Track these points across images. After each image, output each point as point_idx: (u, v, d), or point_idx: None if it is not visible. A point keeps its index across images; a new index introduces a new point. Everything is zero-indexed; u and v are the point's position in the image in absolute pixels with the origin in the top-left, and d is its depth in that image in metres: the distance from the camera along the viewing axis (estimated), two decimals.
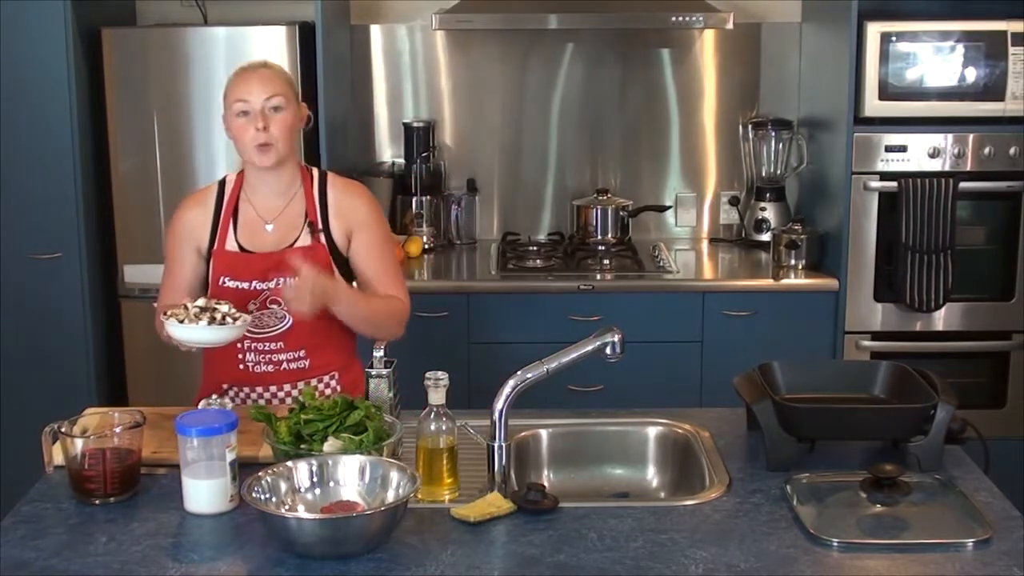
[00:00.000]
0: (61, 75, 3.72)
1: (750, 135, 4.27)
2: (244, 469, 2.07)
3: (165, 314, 2.40)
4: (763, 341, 3.72)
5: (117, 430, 2.14)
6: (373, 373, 2.37)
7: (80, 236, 3.80)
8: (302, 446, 2.14)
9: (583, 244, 4.13)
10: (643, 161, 4.38)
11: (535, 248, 4.16)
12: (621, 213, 4.15)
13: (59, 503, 2.11)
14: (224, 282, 2.61)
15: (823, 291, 3.82)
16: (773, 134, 4.20)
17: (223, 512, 2.06)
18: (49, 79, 3.72)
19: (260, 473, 2.00)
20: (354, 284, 2.69)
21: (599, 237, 4.13)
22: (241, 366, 2.61)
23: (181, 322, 2.37)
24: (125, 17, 4.19)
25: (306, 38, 3.80)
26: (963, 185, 3.72)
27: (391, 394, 2.38)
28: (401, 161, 4.30)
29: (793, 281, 3.87)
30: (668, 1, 3.89)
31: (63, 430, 2.13)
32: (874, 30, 3.71)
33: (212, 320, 2.38)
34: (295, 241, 2.63)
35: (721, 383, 2.60)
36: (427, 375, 2.18)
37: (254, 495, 1.95)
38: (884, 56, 3.72)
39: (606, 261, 4.01)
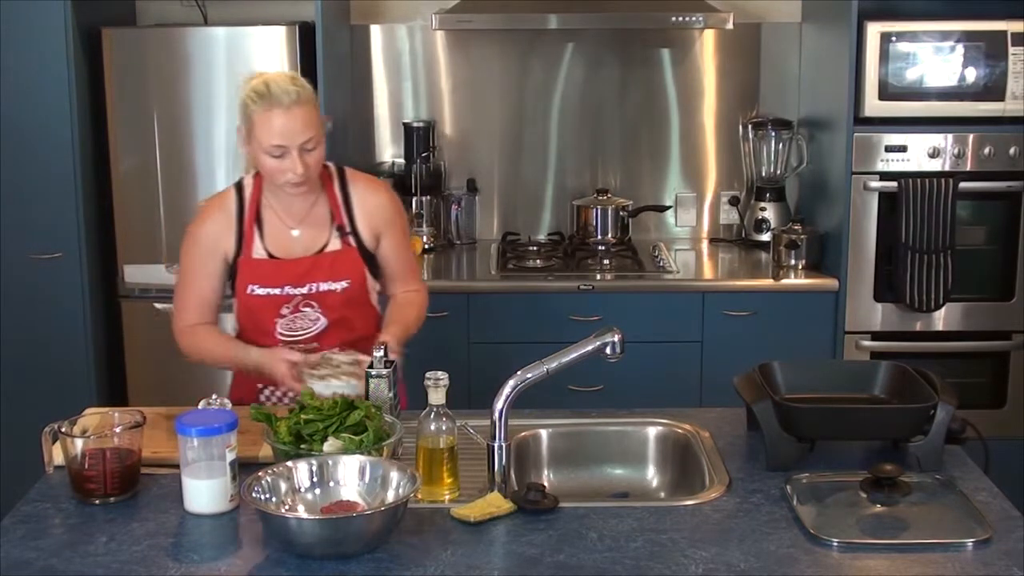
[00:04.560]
0: (61, 75, 3.71)
1: (750, 135, 4.27)
2: (244, 469, 2.07)
3: (313, 373, 2.42)
4: (763, 341, 3.72)
5: (117, 430, 2.14)
6: (373, 373, 2.37)
7: (80, 236, 3.80)
8: (302, 446, 2.14)
9: (583, 244, 4.13)
10: (643, 161, 4.38)
11: (535, 248, 4.17)
12: (621, 213, 4.16)
13: (59, 503, 2.11)
14: (253, 290, 2.59)
15: (823, 291, 3.82)
16: (773, 134, 4.20)
17: (223, 512, 2.06)
18: (49, 79, 3.72)
19: (260, 473, 2.00)
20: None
21: (599, 237, 4.13)
22: None
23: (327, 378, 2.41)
24: (125, 17, 4.19)
25: (306, 38, 3.80)
26: (963, 185, 3.72)
27: (391, 394, 2.38)
28: (401, 161, 4.30)
29: (793, 281, 3.87)
30: (668, 1, 3.89)
31: (63, 430, 2.13)
32: (874, 30, 3.71)
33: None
34: (325, 245, 2.62)
35: (721, 383, 2.60)
36: (427, 375, 2.18)
37: (254, 495, 1.95)
38: (884, 56, 3.72)
39: (606, 261, 4.01)
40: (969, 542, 1.95)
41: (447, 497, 2.14)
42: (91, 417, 2.25)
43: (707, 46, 4.30)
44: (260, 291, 2.59)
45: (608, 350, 2.23)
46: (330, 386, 2.41)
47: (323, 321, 2.61)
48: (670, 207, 4.35)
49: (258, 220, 2.62)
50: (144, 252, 3.90)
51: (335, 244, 2.63)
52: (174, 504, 2.09)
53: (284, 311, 2.59)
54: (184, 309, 2.66)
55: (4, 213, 3.79)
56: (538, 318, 3.78)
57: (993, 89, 3.73)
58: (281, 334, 2.61)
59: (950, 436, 2.26)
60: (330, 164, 2.69)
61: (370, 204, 2.67)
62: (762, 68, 4.31)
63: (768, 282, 3.87)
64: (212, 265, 2.62)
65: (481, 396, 2.44)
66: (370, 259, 2.67)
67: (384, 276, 2.73)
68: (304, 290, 2.59)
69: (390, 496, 1.99)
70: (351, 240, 2.64)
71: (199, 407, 2.29)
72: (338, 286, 2.61)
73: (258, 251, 2.61)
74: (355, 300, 2.64)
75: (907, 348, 3.79)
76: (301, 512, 1.97)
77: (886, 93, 3.75)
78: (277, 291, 2.59)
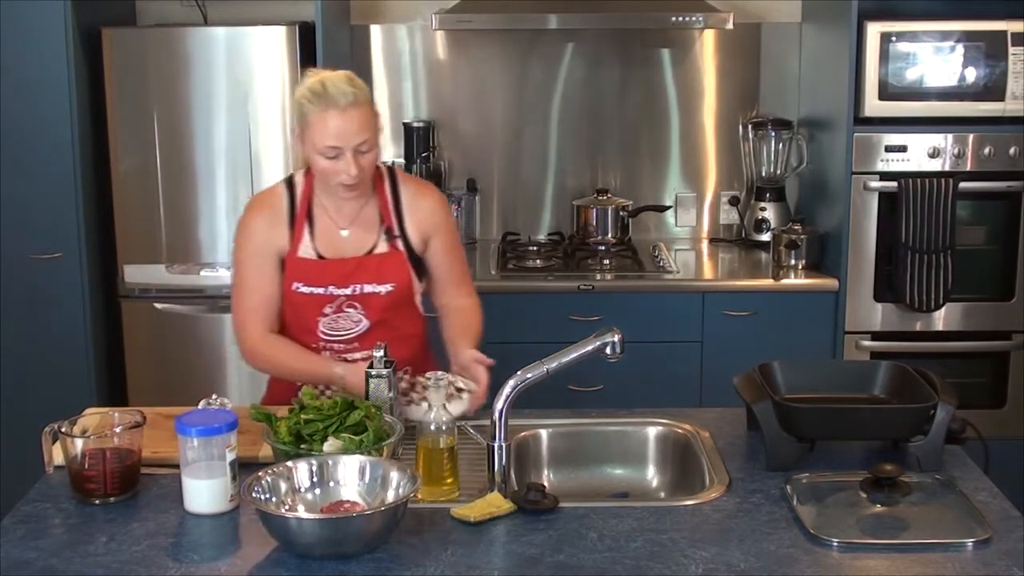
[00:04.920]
0: (61, 75, 3.71)
1: (750, 135, 4.27)
2: (244, 469, 2.07)
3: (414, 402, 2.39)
4: (763, 341, 3.72)
5: (117, 430, 2.14)
6: (373, 373, 2.37)
7: (80, 236, 3.80)
8: (302, 446, 2.14)
9: (583, 244, 4.13)
10: (643, 161, 4.38)
11: (535, 248, 4.17)
12: (621, 213, 4.15)
13: (59, 503, 2.11)
14: (297, 288, 2.57)
15: (823, 291, 3.82)
16: (773, 134, 4.20)
17: (223, 512, 2.06)
18: (49, 79, 3.72)
19: (260, 473, 2.00)
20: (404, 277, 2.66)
21: (599, 237, 4.13)
22: None
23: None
24: (125, 17, 4.19)
25: (306, 38, 3.80)
26: (963, 185, 3.72)
27: (391, 394, 2.37)
28: (401, 161, 4.30)
29: (793, 281, 3.87)
30: (668, 1, 3.89)
31: (63, 430, 2.13)
32: (874, 30, 3.71)
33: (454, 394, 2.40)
34: (373, 247, 2.60)
35: (721, 383, 2.60)
36: (427, 375, 2.19)
37: (254, 495, 1.95)
38: (884, 56, 3.72)
39: (606, 261, 4.01)
40: (969, 542, 1.95)
41: (447, 497, 2.13)
42: (91, 417, 2.26)
43: (707, 46, 4.30)
44: (304, 289, 2.57)
45: (608, 350, 2.23)
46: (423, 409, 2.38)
47: (365, 323, 2.59)
48: (670, 207, 4.35)
49: (309, 218, 2.59)
50: (144, 252, 3.89)
51: (383, 247, 2.60)
52: (174, 504, 2.09)
53: (327, 311, 2.58)
54: (251, 318, 2.60)
55: (4, 213, 3.79)
56: (538, 318, 3.78)
57: (993, 89, 3.73)
58: (323, 333, 2.59)
59: (950, 436, 2.26)
60: (382, 165, 2.66)
61: (420, 207, 2.64)
62: (762, 68, 4.31)
63: (768, 282, 3.87)
64: (269, 265, 2.58)
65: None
66: (417, 262, 2.64)
67: (433, 282, 2.70)
68: (348, 291, 2.57)
69: (390, 496, 1.99)
70: (399, 243, 2.61)
71: (199, 407, 2.29)
72: (382, 289, 2.59)
73: (305, 249, 2.58)
74: (399, 303, 2.61)
75: (907, 348, 3.79)
76: (301, 512, 1.97)
77: (886, 93, 3.75)
78: (321, 291, 2.57)
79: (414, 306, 2.69)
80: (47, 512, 2.08)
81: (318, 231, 2.60)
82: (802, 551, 1.93)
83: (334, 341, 2.60)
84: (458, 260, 2.74)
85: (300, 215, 2.59)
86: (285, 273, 2.60)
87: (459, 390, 2.43)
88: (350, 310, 2.58)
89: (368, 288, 2.58)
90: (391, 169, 2.68)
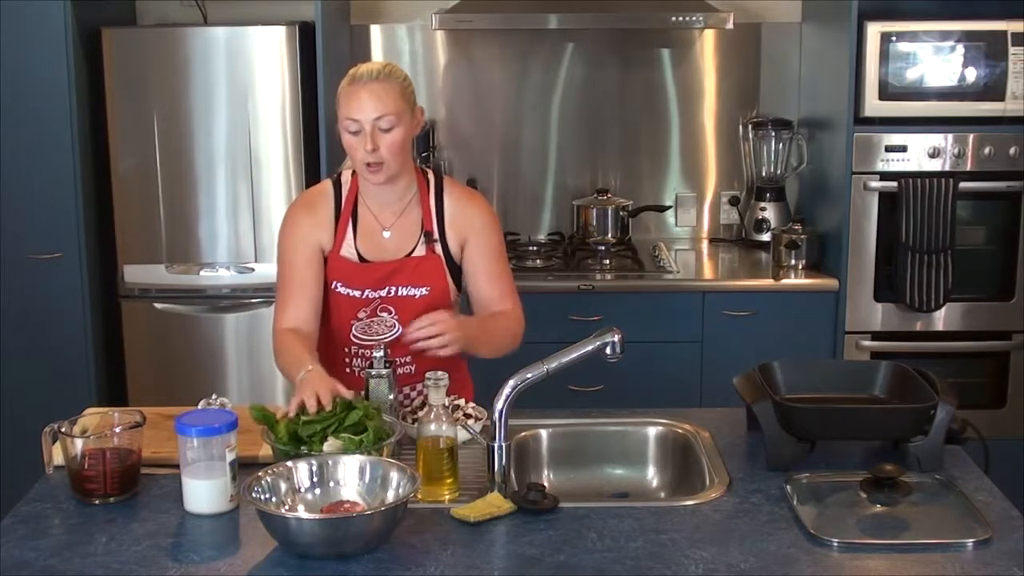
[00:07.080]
0: (61, 75, 3.71)
1: (750, 135, 4.27)
2: (244, 469, 2.07)
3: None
4: (763, 341, 3.72)
5: (117, 430, 2.14)
6: (373, 373, 2.37)
7: (80, 236, 3.80)
8: (302, 447, 2.14)
9: (583, 244, 4.13)
10: (643, 161, 4.38)
11: (535, 248, 4.16)
12: (621, 213, 4.15)
13: (59, 503, 2.11)
14: (336, 287, 2.56)
15: (823, 291, 3.82)
16: (773, 134, 4.20)
17: (223, 512, 2.06)
18: (49, 79, 3.72)
19: (260, 473, 2.00)
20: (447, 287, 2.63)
21: (599, 237, 4.13)
22: (347, 369, 2.59)
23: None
24: (125, 17, 4.19)
25: (306, 38, 3.80)
26: (963, 185, 3.72)
27: (391, 395, 2.37)
28: None
29: (793, 281, 3.87)
30: (668, 1, 3.89)
31: (63, 430, 2.13)
32: (874, 30, 3.71)
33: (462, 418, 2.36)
34: (412, 251, 2.58)
35: (721, 383, 2.60)
36: (427, 375, 2.18)
37: (254, 495, 1.95)
38: (884, 56, 3.72)
39: (606, 261, 4.01)
40: (969, 542, 1.95)
41: (447, 497, 2.13)
42: (91, 417, 2.26)
43: (707, 46, 4.30)
44: (342, 290, 2.56)
45: (608, 350, 2.22)
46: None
47: (399, 328, 2.56)
48: (670, 207, 4.35)
49: (353, 218, 2.58)
50: (144, 252, 3.90)
51: (420, 251, 2.58)
52: (174, 504, 2.09)
53: (361, 315, 2.56)
54: (281, 309, 2.58)
55: (4, 213, 3.79)
56: (538, 318, 3.75)
57: (993, 89, 3.73)
58: (355, 336, 2.58)
59: (950, 436, 2.26)
60: (430, 171, 2.66)
61: (461, 213, 2.60)
62: (762, 68, 4.31)
63: (768, 282, 3.87)
64: (312, 261, 2.55)
65: (481, 396, 2.45)
66: (456, 270, 2.62)
67: (473, 295, 2.65)
68: (383, 292, 2.55)
69: (390, 496, 1.99)
70: (436, 248, 2.59)
71: (199, 407, 2.29)
72: (417, 292, 2.56)
73: (348, 249, 2.57)
74: (433, 308, 2.56)
75: (907, 348, 3.79)
76: (301, 512, 1.97)
77: (886, 93, 3.75)
78: (357, 293, 2.55)
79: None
80: (47, 512, 2.08)
81: (361, 231, 2.58)
82: (802, 551, 1.93)
83: (366, 346, 2.57)
84: (494, 269, 2.64)
85: (344, 213, 2.58)
86: (327, 270, 2.58)
87: (467, 416, 2.40)
88: (384, 314, 2.56)
89: (403, 291, 2.56)
90: (439, 177, 2.66)
